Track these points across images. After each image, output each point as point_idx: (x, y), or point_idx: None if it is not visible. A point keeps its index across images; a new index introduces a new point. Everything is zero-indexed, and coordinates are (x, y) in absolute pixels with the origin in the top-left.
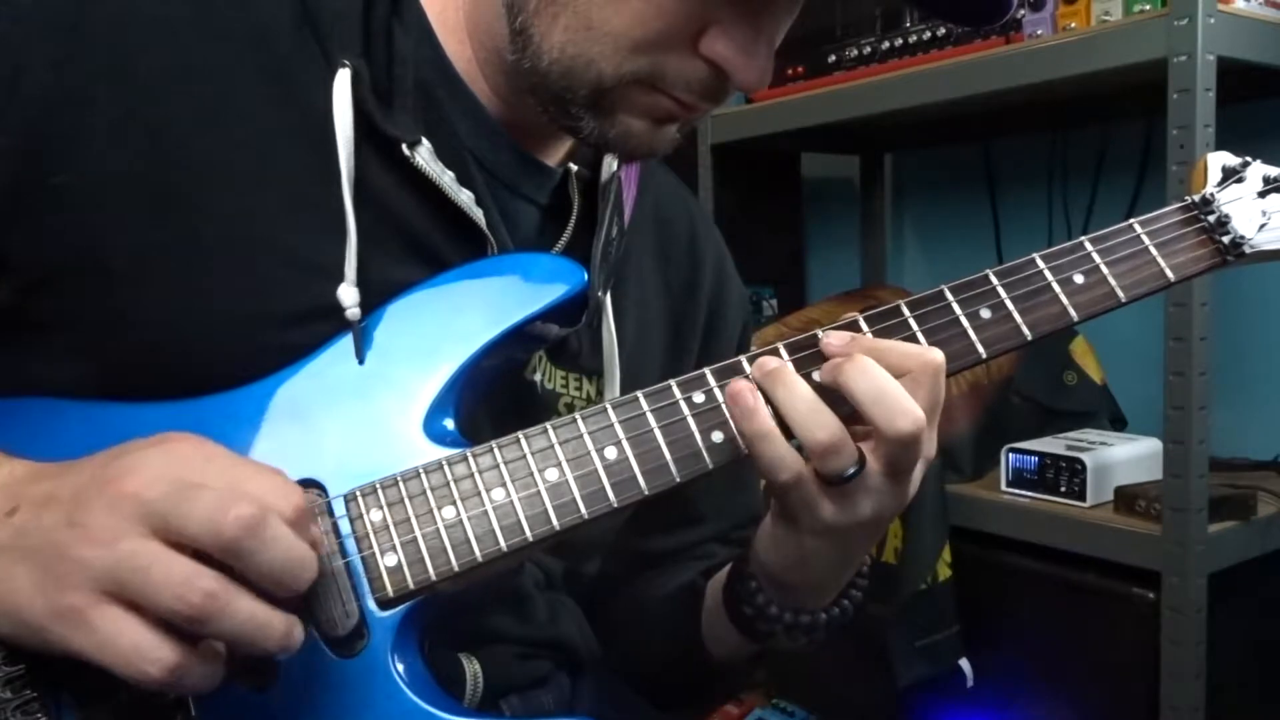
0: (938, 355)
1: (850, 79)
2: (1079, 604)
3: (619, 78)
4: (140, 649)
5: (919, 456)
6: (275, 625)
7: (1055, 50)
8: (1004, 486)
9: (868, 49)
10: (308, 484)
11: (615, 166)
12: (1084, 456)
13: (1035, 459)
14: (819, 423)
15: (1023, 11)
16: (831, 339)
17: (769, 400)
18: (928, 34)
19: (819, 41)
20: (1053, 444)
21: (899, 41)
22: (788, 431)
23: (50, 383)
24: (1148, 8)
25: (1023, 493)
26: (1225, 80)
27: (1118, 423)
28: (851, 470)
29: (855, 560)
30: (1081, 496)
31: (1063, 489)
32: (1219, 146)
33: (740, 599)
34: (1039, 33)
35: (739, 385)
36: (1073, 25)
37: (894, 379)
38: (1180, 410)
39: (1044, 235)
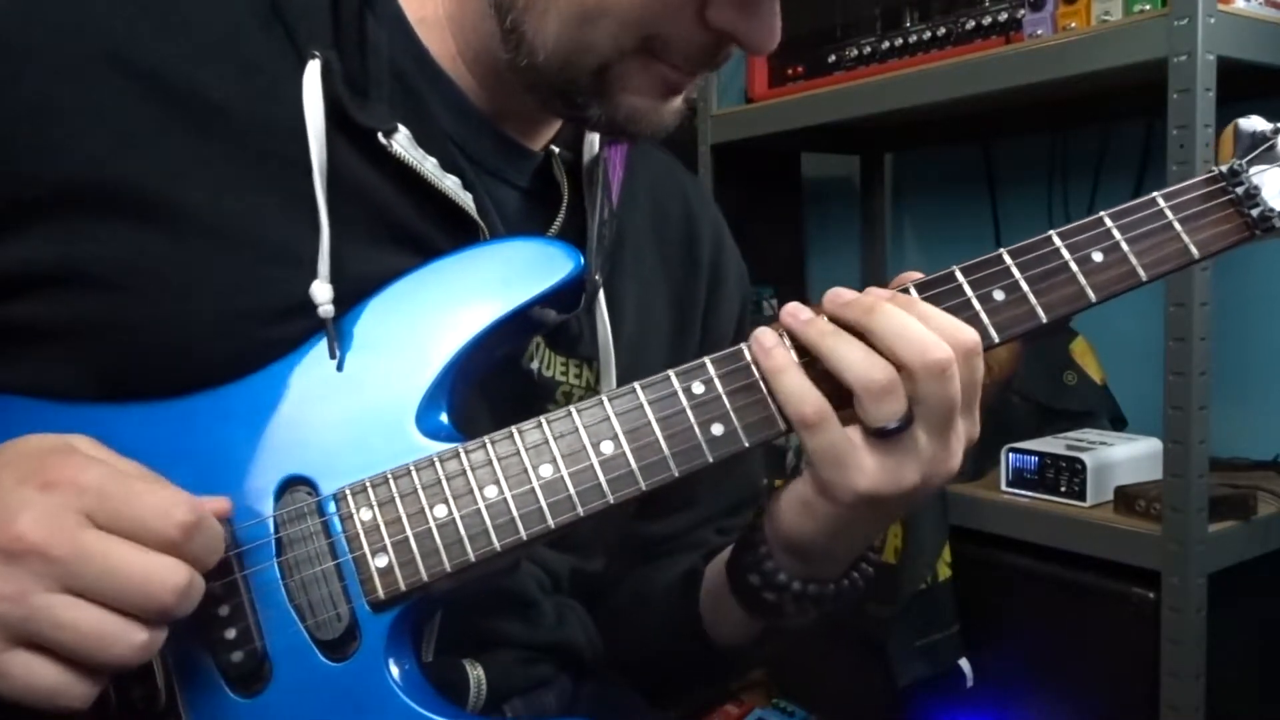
0: (969, 331)
1: (850, 79)
2: (1079, 604)
3: (619, 54)
4: (59, 688)
5: (955, 400)
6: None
7: (1055, 50)
8: (1004, 486)
9: (868, 49)
10: (297, 481)
11: (598, 148)
12: (1084, 456)
13: (1035, 459)
14: (874, 363)
15: (1023, 11)
16: (873, 291)
17: (821, 353)
18: (928, 34)
19: (819, 41)
20: (1053, 444)
21: (899, 41)
22: (839, 394)
23: (39, 386)
24: (1148, 8)
25: (1023, 492)
26: (1225, 80)
27: (1118, 423)
28: (897, 422)
29: (882, 529)
30: (1081, 496)
31: (1063, 489)
32: (1218, 147)
33: (747, 568)
34: (1039, 33)
35: (763, 328)
36: (1073, 25)
37: (920, 323)
38: (1180, 410)
39: None
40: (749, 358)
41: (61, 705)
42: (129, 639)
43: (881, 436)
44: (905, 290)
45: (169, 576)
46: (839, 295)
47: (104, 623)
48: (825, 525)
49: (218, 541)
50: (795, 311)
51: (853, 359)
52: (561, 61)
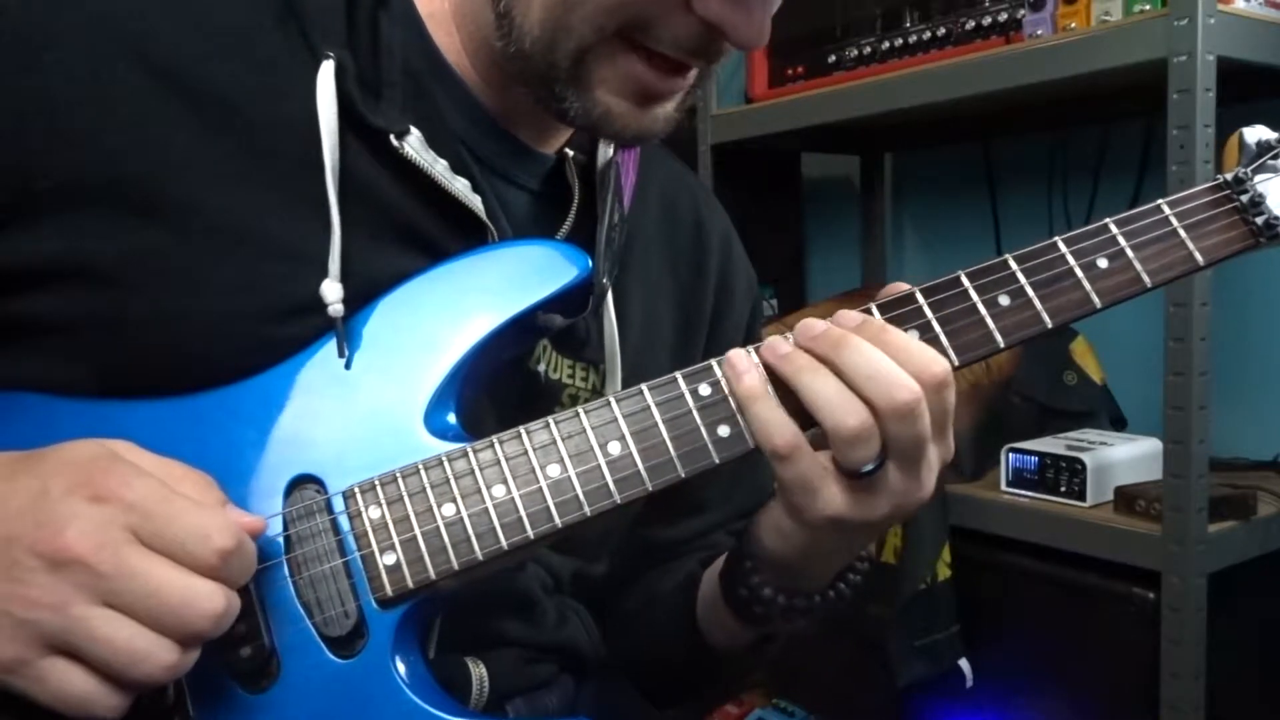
0: (939, 364)
1: (850, 79)
2: (1079, 604)
3: (599, 37)
4: (91, 698)
5: (924, 438)
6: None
7: (1055, 50)
8: (1004, 486)
9: (868, 49)
10: (306, 479)
11: (611, 152)
12: (1084, 456)
13: (1035, 459)
14: (848, 409)
15: (1023, 11)
16: (842, 318)
17: (797, 389)
18: (928, 34)
19: (819, 41)
20: (1053, 444)
21: (899, 41)
22: (809, 422)
23: (46, 382)
24: (1148, 8)
25: (1023, 493)
26: (1225, 80)
27: (1118, 423)
28: (872, 465)
29: (857, 550)
30: (1081, 496)
31: (1063, 489)
32: (1218, 147)
33: (736, 581)
34: (1039, 33)
35: (737, 351)
36: (1073, 25)
37: (889, 359)
38: (1180, 410)
39: (1044, 235)
40: (720, 378)
41: (91, 714)
42: (159, 659)
43: (854, 478)
44: (898, 303)
45: (206, 602)
46: (811, 327)
47: (138, 640)
48: (798, 545)
49: (252, 562)
50: (774, 346)
51: (826, 399)
52: (545, 45)
